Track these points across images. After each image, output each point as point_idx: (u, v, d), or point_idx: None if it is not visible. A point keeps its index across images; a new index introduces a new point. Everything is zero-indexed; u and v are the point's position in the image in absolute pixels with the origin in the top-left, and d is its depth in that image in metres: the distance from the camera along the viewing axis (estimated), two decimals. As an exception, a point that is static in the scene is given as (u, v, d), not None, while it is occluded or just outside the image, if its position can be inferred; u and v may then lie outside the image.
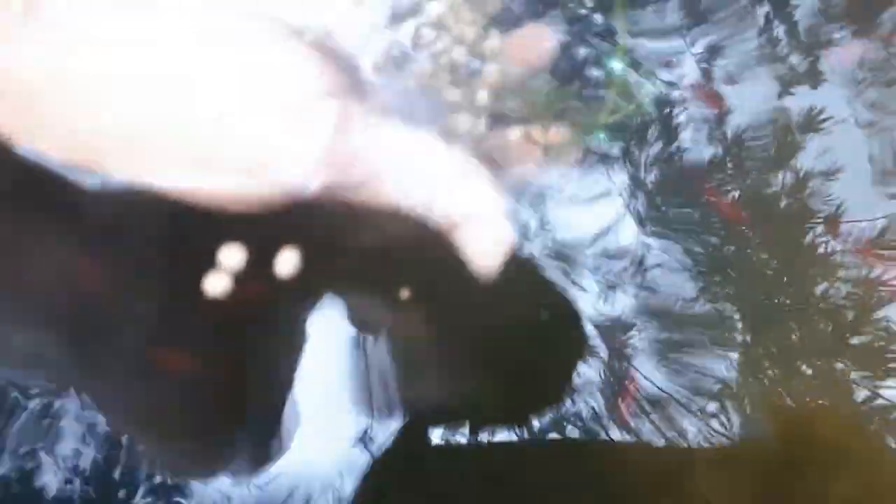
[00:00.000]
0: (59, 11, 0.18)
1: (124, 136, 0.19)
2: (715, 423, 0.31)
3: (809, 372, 0.32)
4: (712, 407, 0.31)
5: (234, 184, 0.20)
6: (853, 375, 0.32)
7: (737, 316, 0.32)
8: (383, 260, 0.25)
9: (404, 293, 0.26)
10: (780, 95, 0.34)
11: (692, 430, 0.31)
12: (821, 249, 0.33)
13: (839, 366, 0.32)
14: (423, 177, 0.21)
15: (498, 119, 0.27)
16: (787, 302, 0.32)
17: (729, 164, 0.33)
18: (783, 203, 0.33)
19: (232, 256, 0.24)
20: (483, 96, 0.26)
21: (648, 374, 0.32)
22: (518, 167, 0.27)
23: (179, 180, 0.20)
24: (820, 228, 0.33)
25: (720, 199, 0.33)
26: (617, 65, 0.33)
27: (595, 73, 0.33)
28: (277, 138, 0.19)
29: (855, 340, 0.32)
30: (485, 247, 0.22)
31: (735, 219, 0.33)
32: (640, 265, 0.32)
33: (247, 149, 0.19)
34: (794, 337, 0.32)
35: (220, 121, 0.19)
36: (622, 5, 0.33)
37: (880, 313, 0.32)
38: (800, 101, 0.34)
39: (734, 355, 0.31)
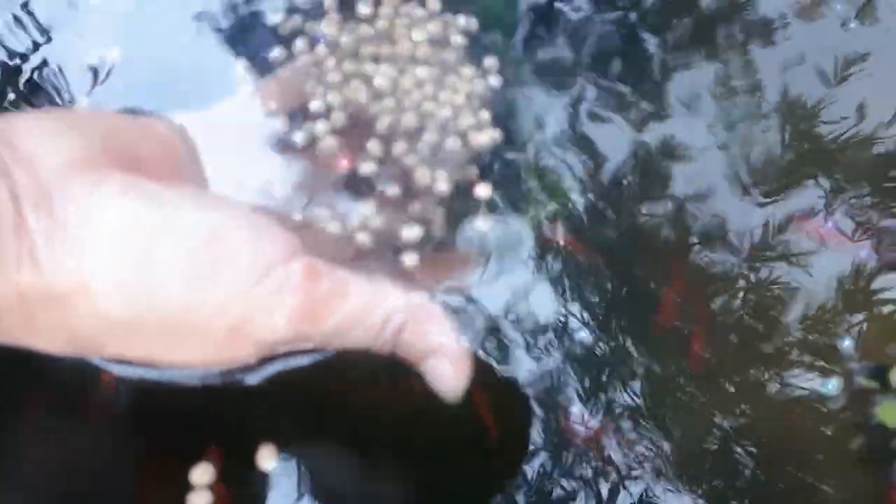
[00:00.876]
0: (47, 230, 0.20)
1: (116, 327, 0.21)
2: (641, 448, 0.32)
3: (732, 390, 0.33)
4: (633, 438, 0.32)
5: (216, 349, 0.22)
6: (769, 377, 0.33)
7: (638, 351, 0.33)
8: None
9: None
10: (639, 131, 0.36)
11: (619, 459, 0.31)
12: (714, 268, 0.35)
13: (752, 372, 0.33)
14: (385, 320, 0.23)
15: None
16: (694, 327, 0.33)
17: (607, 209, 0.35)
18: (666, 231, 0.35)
19: (203, 474, 0.26)
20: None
21: (576, 418, 0.32)
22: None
23: (166, 355, 0.22)
24: (705, 246, 0.35)
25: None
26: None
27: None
28: (252, 304, 0.21)
29: (768, 348, 0.33)
30: (447, 376, 0.24)
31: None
32: (563, 331, 0.33)
33: (225, 318, 0.21)
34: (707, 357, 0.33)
35: (197, 299, 0.21)
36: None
37: (782, 317, 0.34)
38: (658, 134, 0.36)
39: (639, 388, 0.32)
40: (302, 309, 0.22)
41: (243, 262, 0.21)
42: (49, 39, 0.35)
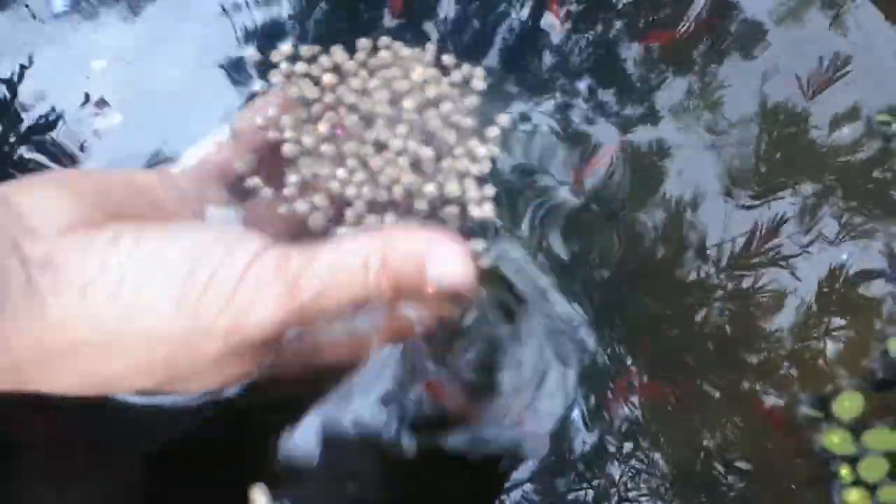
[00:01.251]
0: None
1: (123, 359, 0.23)
2: (635, 462, 0.31)
3: (716, 395, 0.32)
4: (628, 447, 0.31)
5: (220, 363, 0.24)
6: (757, 387, 0.33)
7: (630, 359, 0.32)
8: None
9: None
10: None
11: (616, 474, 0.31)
12: (694, 276, 0.34)
13: (735, 379, 0.33)
14: (365, 261, 0.24)
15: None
16: (676, 332, 0.33)
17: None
18: (655, 239, 0.35)
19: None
20: None
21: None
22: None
23: (175, 383, 0.24)
24: (690, 255, 0.34)
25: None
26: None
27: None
28: (237, 306, 0.23)
29: (750, 357, 0.33)
30: (453, 271, 0.24)
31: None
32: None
33: (217, 325, 0.23)
34: (689, 362, 0.33)
35: (191, 318, 0.23)
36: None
37: (767, 324, 0.33)
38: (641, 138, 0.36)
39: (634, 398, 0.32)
40: (282, 292, 0.23)
41: (222, 273, 0.23)
42: (53, 109, 0.37)
